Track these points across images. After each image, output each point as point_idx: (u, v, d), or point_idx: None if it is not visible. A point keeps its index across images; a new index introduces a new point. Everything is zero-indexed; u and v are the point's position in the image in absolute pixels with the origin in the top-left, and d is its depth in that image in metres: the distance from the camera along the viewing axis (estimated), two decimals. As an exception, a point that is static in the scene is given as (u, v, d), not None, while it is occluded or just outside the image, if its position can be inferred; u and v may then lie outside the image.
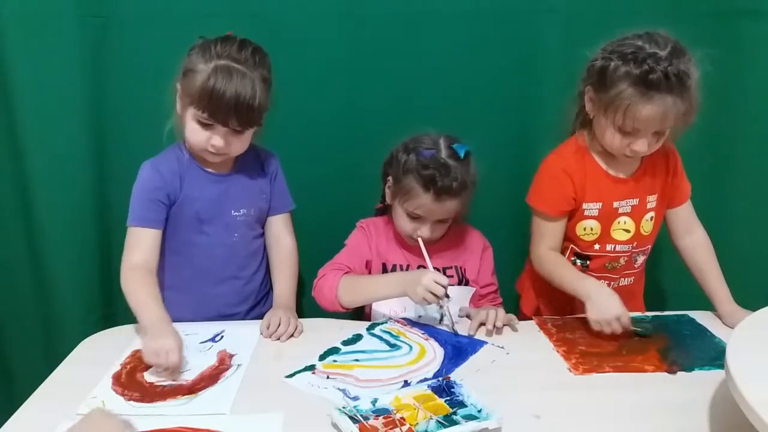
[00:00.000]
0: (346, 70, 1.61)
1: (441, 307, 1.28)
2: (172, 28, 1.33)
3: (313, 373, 1.13)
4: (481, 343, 1.24)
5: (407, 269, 1.42)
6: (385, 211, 1.50)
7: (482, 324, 1.29)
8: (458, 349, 1.21)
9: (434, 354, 1.20)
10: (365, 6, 1.57)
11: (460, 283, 1.44)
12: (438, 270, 1.44)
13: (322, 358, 1.18)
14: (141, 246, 1.29)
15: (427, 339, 1.25)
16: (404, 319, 1.35)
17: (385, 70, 1.61)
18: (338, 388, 1.07)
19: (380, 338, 1.26)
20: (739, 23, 1.62)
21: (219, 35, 1.28)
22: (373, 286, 1.36)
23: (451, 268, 1.45)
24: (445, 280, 1.23)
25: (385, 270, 1.44)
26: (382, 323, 1.33)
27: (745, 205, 1.74)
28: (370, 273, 1.43)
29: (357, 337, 1.26)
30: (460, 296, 1.42)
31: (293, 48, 1.56)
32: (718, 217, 1.72)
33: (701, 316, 1.36)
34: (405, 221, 1.38)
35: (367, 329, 1.30)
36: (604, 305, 1.24)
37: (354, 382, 1.09)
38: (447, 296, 1.24)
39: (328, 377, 1.11)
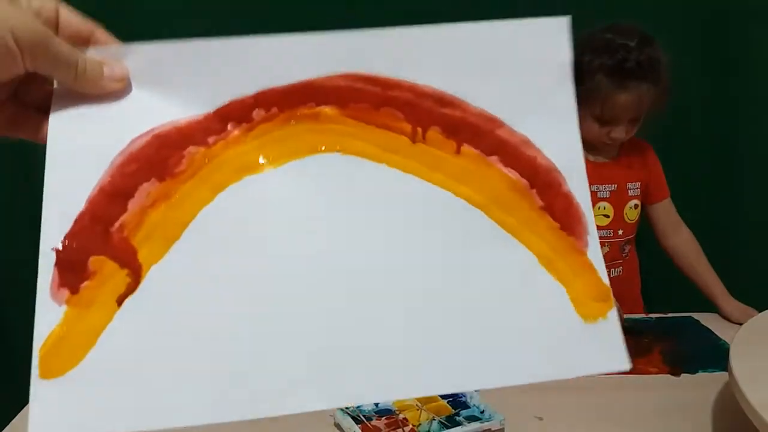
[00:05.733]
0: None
1: None
2: (172, 28, 1.34)
3: None
4: None
5: None
6: None
7: None
8: None
9: None
10: (372, 5, 1.57)
11: None
12: None
13: None
14: None
15: None
16: None
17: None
18: None
19: None
20: (746, 25, 1.62)
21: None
22: None
23: None
24: None
25: None
26: None
27: (751, 207, 1.74)
28: None
29: None
30: None
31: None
32: (722, 218, 1.72)
33: (705, 318, 1.36)
34: None
35: None
36: None
37: None
38: None
39: None
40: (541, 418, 0.99)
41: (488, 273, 0.44)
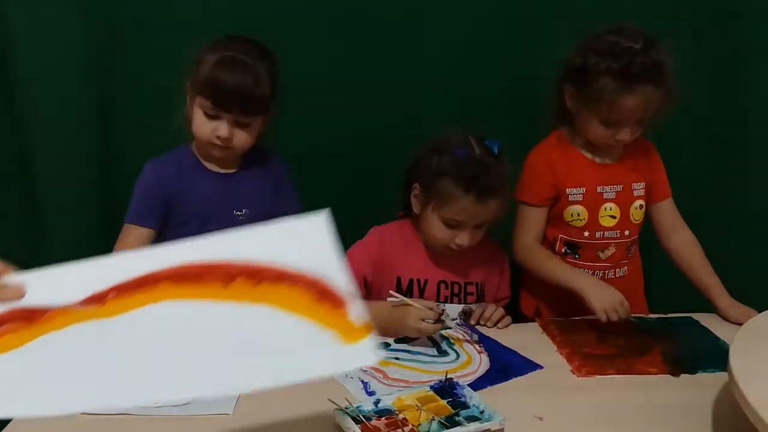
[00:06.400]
0: (353, 73, 1.60)
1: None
2: (178, 29, 1.35)
3: None
4: (535, 366, 1.16)
5: (424, 284, 1.37)
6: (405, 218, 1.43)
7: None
8: (504, 369, 1.15)
9: (477, 366, 1.16)
10: (374, 7, 1.57)
11: (478, 300, 1.40)
12: (460, 285, 1.39)
13: None
14: (126, 243, 1.32)
15: (481, 352, 1.21)
16: (468, 327, 1.29)
17: (393, 71, 1.60)
18: (362, 380, 1.07)
19: (434, 341, 1.23)
20: (745, 24, 1.62)
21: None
22: None
23: (472, 284, 1.40)
24: (430, 314, 1.20)
25: (399, 285, 1.36)
26: (447, 328, 1.25)
27: (749, 206, 1.74)
28: (370, 289, 1.36)
29: None
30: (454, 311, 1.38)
31: (301, 50, 1.55)
32: (722, 218, 1.72)
33: (705, 319, 1.36)
34: (441, 230, 1.31)
35: None
36: (605, 292, 1.28)
37: (381, 378, 1.09)
38: (442, 320, 1.22)
39: (362, 368, 1.10)
40: (541, 418, 0.99)
41: (281, 330, 0.72)
